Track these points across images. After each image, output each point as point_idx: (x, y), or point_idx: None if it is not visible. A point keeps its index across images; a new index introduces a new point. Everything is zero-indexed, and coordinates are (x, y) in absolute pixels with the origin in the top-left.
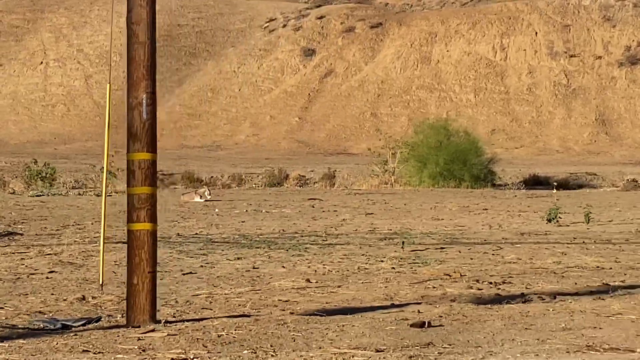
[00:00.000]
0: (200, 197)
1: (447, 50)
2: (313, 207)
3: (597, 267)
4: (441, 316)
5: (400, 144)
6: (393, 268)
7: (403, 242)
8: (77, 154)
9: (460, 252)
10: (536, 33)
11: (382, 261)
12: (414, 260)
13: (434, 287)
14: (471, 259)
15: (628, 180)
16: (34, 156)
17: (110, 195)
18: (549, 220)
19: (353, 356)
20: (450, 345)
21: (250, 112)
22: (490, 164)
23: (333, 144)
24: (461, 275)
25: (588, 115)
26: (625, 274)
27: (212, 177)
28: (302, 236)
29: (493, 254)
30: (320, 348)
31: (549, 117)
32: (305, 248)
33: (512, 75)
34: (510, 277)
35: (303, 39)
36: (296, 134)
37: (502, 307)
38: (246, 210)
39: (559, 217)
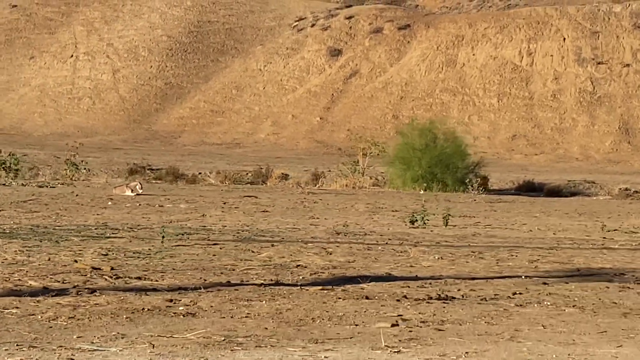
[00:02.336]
0: (132, 190)
1: (473, 54)
2: (224, 204)
3: (305, 266)
4: None
5: (370, 144)
6: (75, 261)
7: (163, 236)
8: (91, 147)
9: (221, 248)
10: (564, 39)
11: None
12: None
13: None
14: (214, 255)
15: (620, 189)
16: (49, 148)
17: (54, 187)
18: (412, 222)
19: None
20: None
21: (273, 111)
22: (476, 168)
23: (352, 145)
24: (112, 269)
25: (612, 123)
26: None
27: (200, 173)
28: (97, 228)
29: (253, 251)
30: None
31: (572, 124)
32: (65, 239)
33: (537, 80)
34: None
35: (330, 38)
36: (316, 134)
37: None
38: (139, 204)
39: (426, 220)
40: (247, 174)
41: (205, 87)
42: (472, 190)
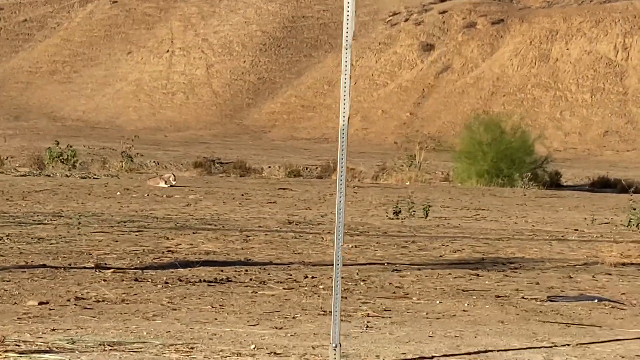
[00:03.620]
0: (165, 182)
1: (567, 49)
2: (242, 195)
3: (174, 252)
4: None
5: (427, 138)
6: None
7: (79, 222)
8: (175, 142)
9: (131, 234)
10: None
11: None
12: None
13: None
14: (116, 241)
15: None
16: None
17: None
18: (396, 214)
19: None
20: None
21: (363, 106)
22: (544, 164)
23: (440, 141)
24: None
25: None
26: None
27: (269, 167)
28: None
29: (168, 238)
30: None
31: None
32: None
33: (632, 75)
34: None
35: (423, 33)
36: (405, 129)
37: None
38: (147, 195)
39: (412, 211)
40: (316, 168)
41: (297, 82)
42: (523, 185)
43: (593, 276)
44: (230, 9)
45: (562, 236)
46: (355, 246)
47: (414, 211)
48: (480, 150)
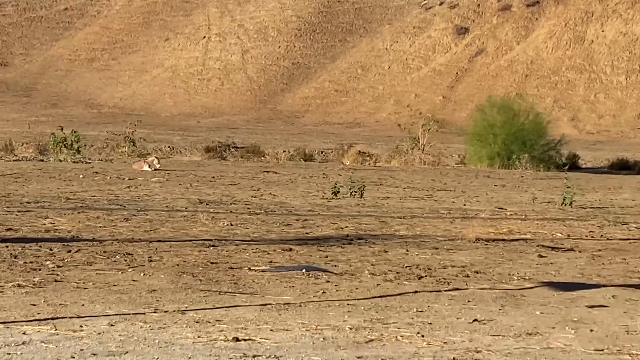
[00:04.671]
0: (149, 166)
1: (602, 30)
2: (212, 178)
3: (48, 230)
4: None
5: (430, 120)
6: None
7: None
8: (202, 128)
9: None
10: None
11: None
12: None
13: None
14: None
15: None
16: (161, 128)
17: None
18: (334, 194)
19: None
20: None
21: (397, 90)
22: (557, 146)
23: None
24: None
25: None
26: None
27: (284, 151)
28: None
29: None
30: None
31: None
32: None
33: None
34: None
35: (458, 16)
36: (437, 113)
37: None
38: (116, 178)
39: (354, 192)
40: (331, 151)
41: (331, 66)
42: (521, 166)
43: (425, 251)
44: None
45: (475, 215)
46: (230, 224)
47: (355, 191)
48: (491, 133)
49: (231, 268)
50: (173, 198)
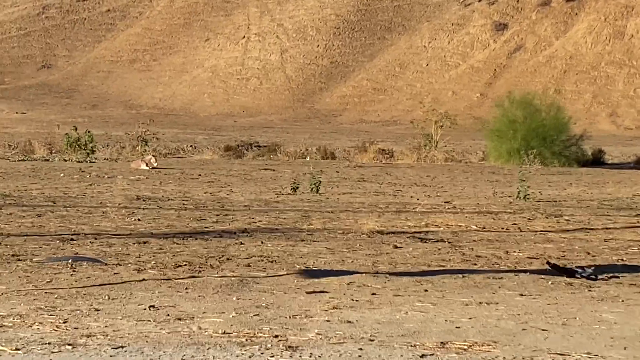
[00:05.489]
0: (146, 164)
1: None
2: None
3: None
4: None
5: (443, 116)
6: None
7: None
8: (239, 127)
9: None
10: None
11: None
12: None
13: None
14: None
15: None
16: (193, 127)
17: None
18: (294, 190)
19: None
20: None
21: (434, 88)
22: (579, 142)
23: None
24: None
25: None
26: None
27: (307, 149)
28: None
29: None
30: None
31: None
32: None
33: None
34: None
35: (497, 13)
36: (475, 110)
37: None
38: (97, 176)
39: (314, 187)
40: (353, 149)
41: (369, 65)
42: (529, 162)
43: (280, 243)
44: None
45: (413, 208)
46: (139, 219)
47: (316, 187)
48: (511, 129)
49: (14, 256)
50: (115, 195)
